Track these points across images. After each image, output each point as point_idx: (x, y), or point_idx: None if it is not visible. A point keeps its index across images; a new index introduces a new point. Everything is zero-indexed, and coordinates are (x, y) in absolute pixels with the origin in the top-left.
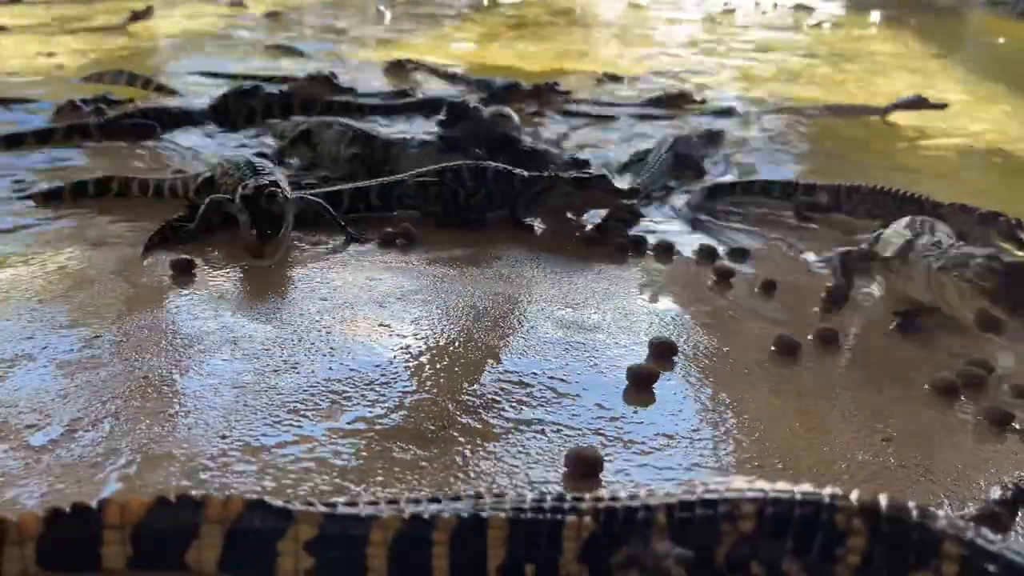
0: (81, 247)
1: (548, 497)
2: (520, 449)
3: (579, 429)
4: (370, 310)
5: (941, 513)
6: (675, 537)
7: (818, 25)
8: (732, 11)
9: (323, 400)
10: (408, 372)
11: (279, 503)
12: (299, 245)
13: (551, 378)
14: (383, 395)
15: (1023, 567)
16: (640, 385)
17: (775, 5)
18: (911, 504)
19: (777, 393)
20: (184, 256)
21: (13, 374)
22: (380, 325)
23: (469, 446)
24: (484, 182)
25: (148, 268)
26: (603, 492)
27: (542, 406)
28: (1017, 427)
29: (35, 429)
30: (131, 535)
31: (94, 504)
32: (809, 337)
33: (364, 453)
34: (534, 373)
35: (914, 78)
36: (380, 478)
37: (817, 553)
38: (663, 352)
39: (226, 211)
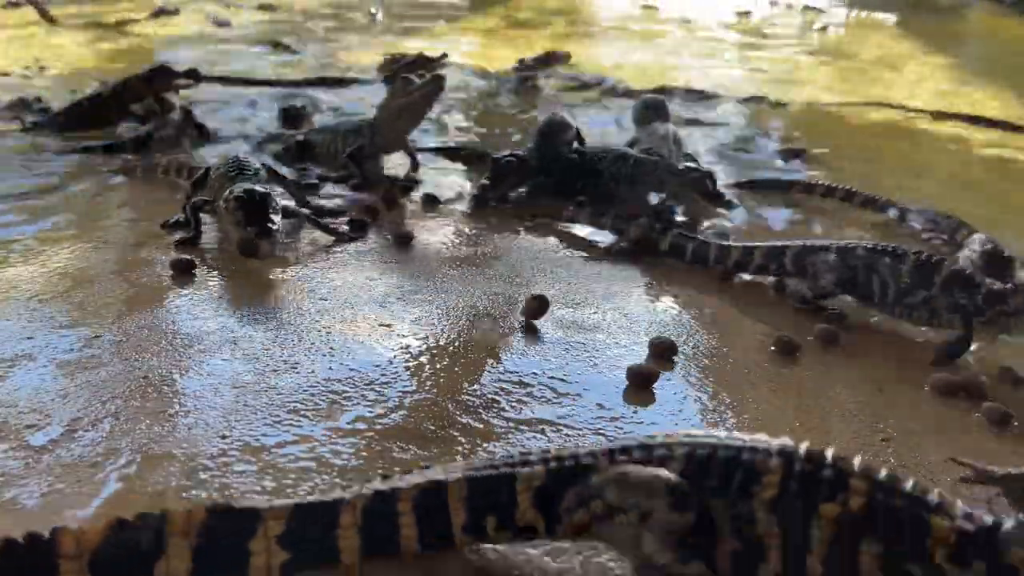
0: (81, 247)
1: (499, 457)
2: (520, 449)
3: (579, 429)
4: (370, 310)
5: (857, 459)
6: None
7: (823, 29)
8: (747, 13)
9: (323, 400)
10: (408, 372)
11: (245, 504)
12: (299, 244)
13: (551, 378)
14: (383, 395)
15: (924, 501)
16: (640, 385)
17: (788, 6)
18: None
19: (777, 393)
20: (184, 256)
21: (13, 374)
22: (380, 325)
23: (469, 446)
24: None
25: (148, 268)
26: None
27: (542, 406)
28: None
29: (35, 429)
30: (89, 563)
31: (47, 534)
32: (809, 337)
33: (364, 453)
34: (534, 373)
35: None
36: None
37: (736, 490)
38: (663, 352)
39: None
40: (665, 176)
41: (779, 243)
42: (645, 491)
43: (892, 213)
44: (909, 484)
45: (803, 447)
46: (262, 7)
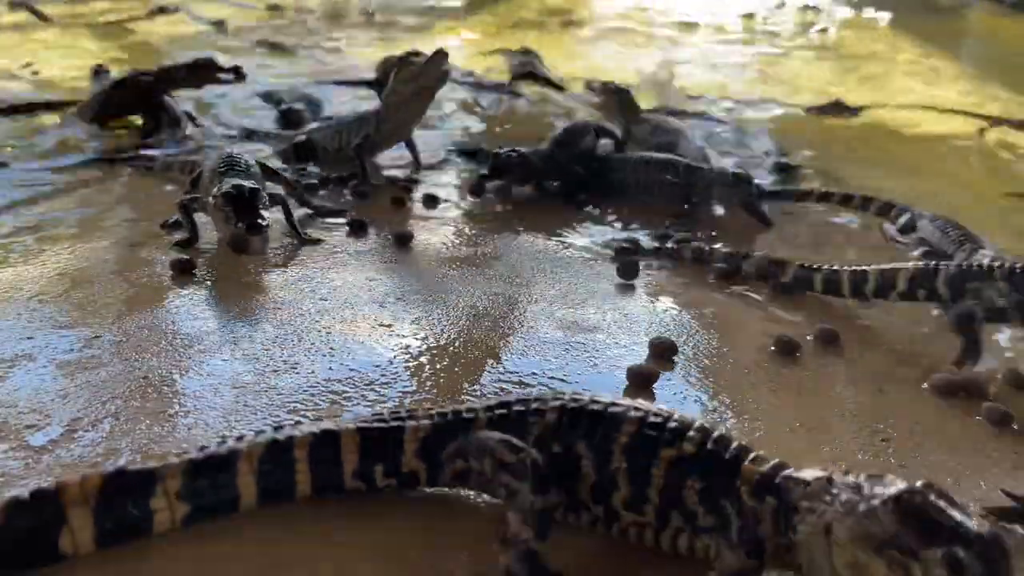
0: (81, 247)
1: (387, 411)
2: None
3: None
4: (370, 310)
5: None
6: (493, 429)
7: (824, 31)
8: (751, 15)
9: (323, 400)
10: (408, 372)
11: (139, 466)
12: (299, 245)
13: (551, 378)
14: (383, 395)
15: (741, 452)
16: (640, 385)
17: (782, 4)
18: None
19: (777, 393)
20: (184, 256)
21: (13, 374)
22: (380, 325)
23: None
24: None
25: (148, 268)
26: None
27: None
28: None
29: (35, 429)
30: None
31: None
32: (809, 337)
33: None
34: (534, 373)
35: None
36: None
37: (599, 439)
38: (663, 352)
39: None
40: (715, 183)
41: (927, 264)
42: (511, 472)
43: (904, 220)
44: (734, 443)
45: (655, 408)
46: (271, 8)
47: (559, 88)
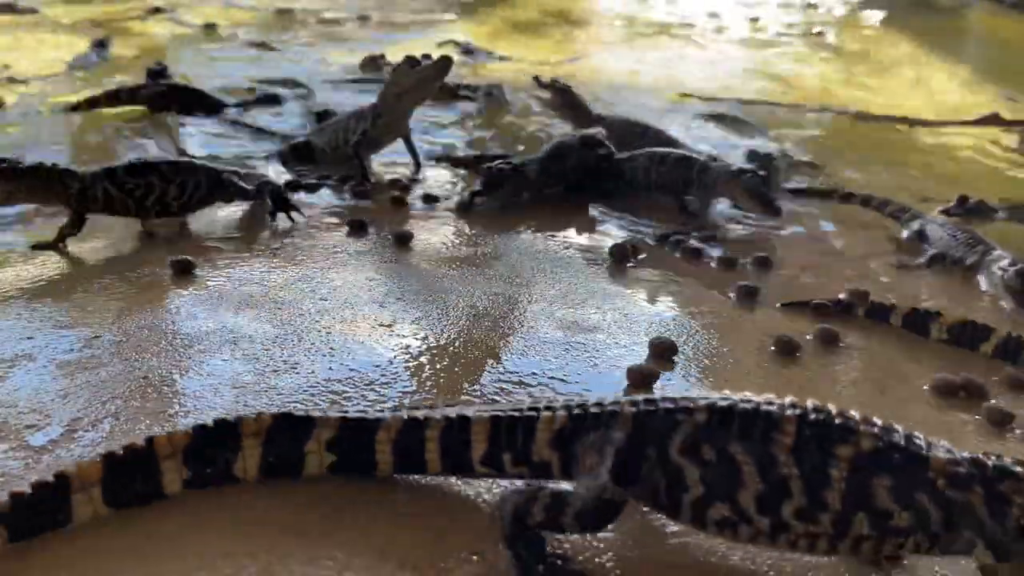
0: (81, 247)
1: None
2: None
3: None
4: (370, 310)
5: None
6: (637, 427)
7: (820, 33)
8: (756, 19)
9: (323, 400)
10: (408, 372)
11: (302, 413)
12: (299, 244)
13: (551, 378)
14: (383, 395)
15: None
16: (640, 385)
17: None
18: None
19: (777, 393)
20: (184, 256)
21: (13, 374)
22: (380, 325)
23: None
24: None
25: (148, 268)
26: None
27: None
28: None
29: (35, 429)
30: (183, 461)
31: (143, 441)
32: (809, 337)
33: None
34: (534, 373)
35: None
36: None
37: (758, 442)
38: (663, 352)
39: None
40: (721, 178)
41: None
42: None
43: (916, 226)
44: (901, 430)
45: (807, 403)
46: (279, 11)
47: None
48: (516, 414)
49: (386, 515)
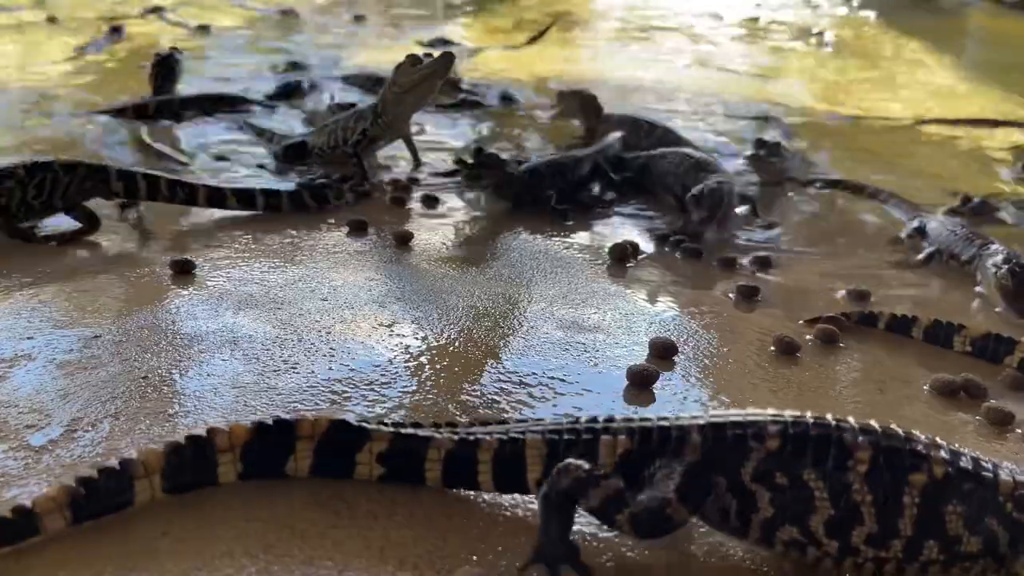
0: (81, 247)
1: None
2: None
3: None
4: (370, 310)
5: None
6: (707, 454)
7: (820, 35)
8: (755, 19)
9: (323, 400)
10: (408, 372)
11: (358, 423)
12: (299, 244)
13: (551, 378)
14: (383, 395)
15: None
16: (640, 385)
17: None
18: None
19: (777, 393)
20: (184, 256)
21: (13, 374)
22: (380, 325)
23: None
24: None
25: (148, 268)
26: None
27: (542, 406)
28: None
29: (35, 429)
30: (240, 456)
31: (204, 433)
32: (809, 337)
33: None
34: (534, 373)
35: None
36: None
37: (831, 468)
38: (663, 352)
39: None
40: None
41: None
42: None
43: (914, 225)
44: (968, 454)
45: (883, 427)
46: (284, 13)
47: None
48: (573, 436)
49: (385, 515)
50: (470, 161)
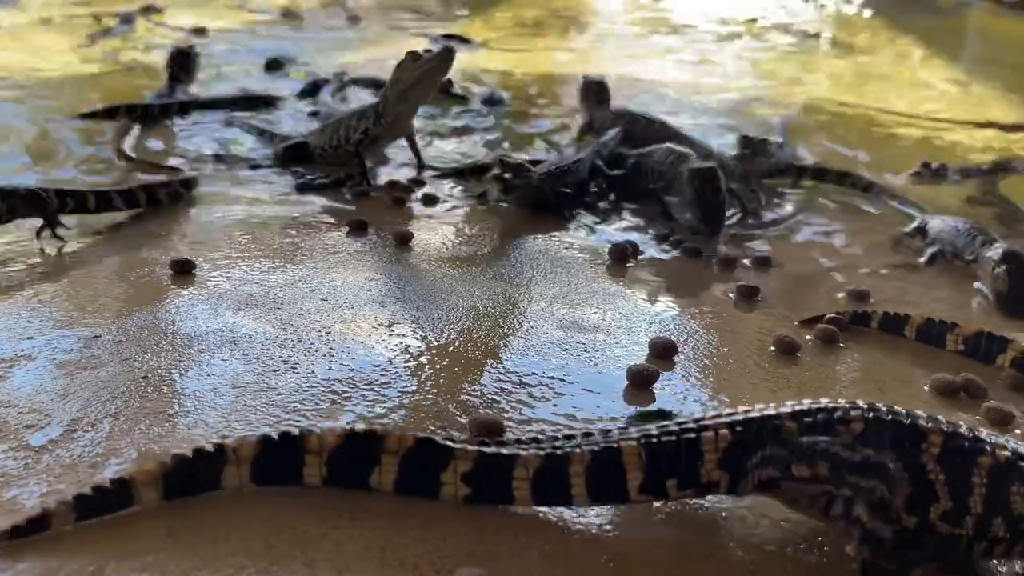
0: (81, 247)
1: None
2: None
3: (579, 429)
4: (370, 310)
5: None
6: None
7: (816, 36)
8: (754, 20)
9: (323, 400)
10: (408, 372)
11: (444, 441)
12: (299, 244)
13: (551, 378)
14: (383, 395)
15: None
16: (640, 385)
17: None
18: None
19: (777, 393)
20: (184, 256)
21: (13, 374)
22: (380, 325)
23: None
24: None
25: (148, 268)
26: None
27: (542, 406)
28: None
29: (35, 429)
30: (326, 461)
31: (297, 433)
32: (809, 337)
33: None
34: (534, 373)
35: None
36: None
37: (908, 451)
38: (663, 352)
39: None
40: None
41: None
42: (860, 471)
43: (916, 224)
44: None
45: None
46: (287, 15)
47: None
48: (672, 438)
49: (388, 516)
50: (500, 172)
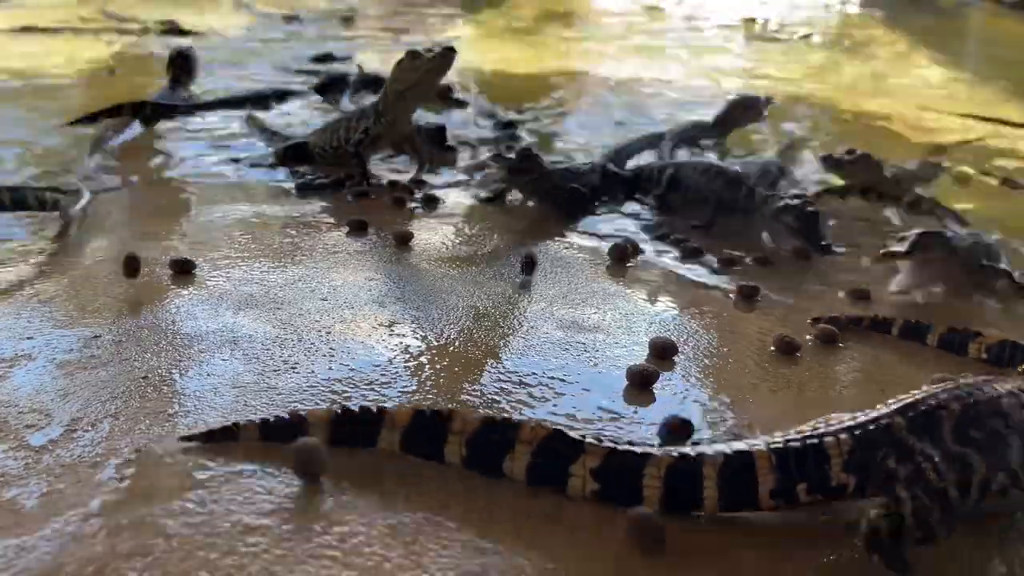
0: (81, 247)
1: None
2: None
3: (579, 430)
4: (370, 310)
5: None
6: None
7: (808, 36)
8: (753, 20)
9: (323, 400)
10: (408, 372)
11: (574, 435)
12: (299, 244)
13: (551, 378)
14: (383, 395)
15: None
16: (640, 385)
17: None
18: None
19: (777, 393)
20: (184, 256)
21: (13, 374)
22: (380, 325)
23: None
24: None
25: (148, 268)
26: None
27: (542, 406)
28: None
29: (35, 429)
30: (466, 442)
31: (446, 411)
32: (809, 337)
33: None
34: (534, 373)
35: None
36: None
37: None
38: (663, 352)
39: None
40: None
41: None
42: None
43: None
44: None
45: None
46: (287, 18)
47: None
48: (799, 444)
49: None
50: (513, 159)
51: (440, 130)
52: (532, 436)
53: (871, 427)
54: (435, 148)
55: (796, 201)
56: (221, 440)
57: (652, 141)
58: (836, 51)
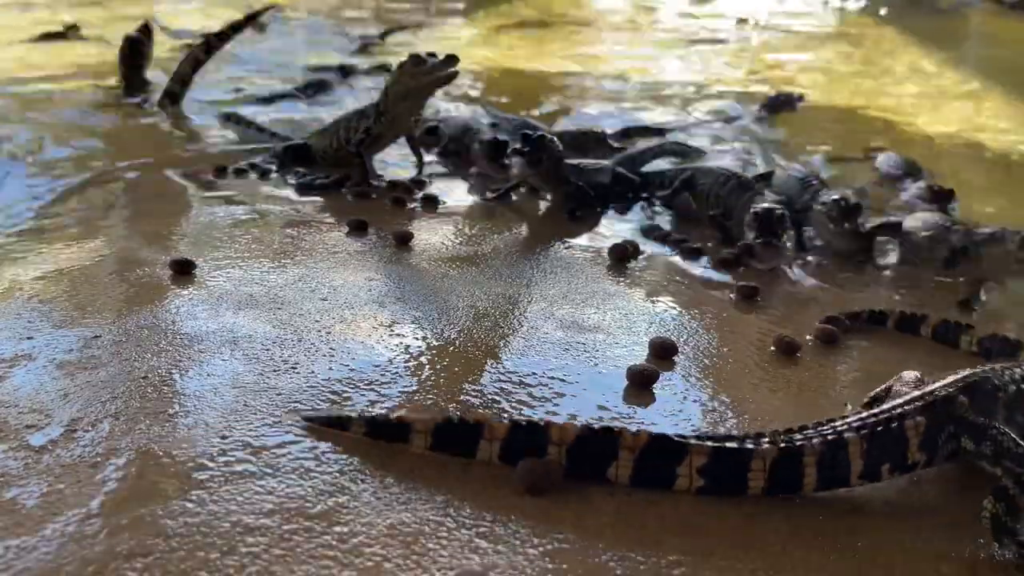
0: (81, 247)
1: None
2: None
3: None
4: (370, 310)
5: None
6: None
7: (799, 33)
8: (745, 20)
9: (323, 400)
10: (408, 372)
11: (677, 438)
12: (299, 244)
13: (551, 378)
14: (383, 395)
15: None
16: (640, 385)
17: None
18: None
19: (777, 393)
20: (184, 256)
21: (13, 374)
22: (380, 325)
23: None
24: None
25: (148, 268)
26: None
27: (542, 406)
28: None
29: (35, 429)
30: (566, 451)
31: (542, 423)
32: (809, 337)
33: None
34: (534, 373)
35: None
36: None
37: None
38: (663, 352)
39: None
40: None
41: None
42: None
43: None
44: None
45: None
46: (285, 18)
47: None
48: (882, 428)
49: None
50: (524, 145)
51: (498, 146)
52: (635, 443)
53: (941, 406)
54: (492, 165)
55: (769, 206)
56: (335, 428)
57: (667, 149)
58: (868, 70)
